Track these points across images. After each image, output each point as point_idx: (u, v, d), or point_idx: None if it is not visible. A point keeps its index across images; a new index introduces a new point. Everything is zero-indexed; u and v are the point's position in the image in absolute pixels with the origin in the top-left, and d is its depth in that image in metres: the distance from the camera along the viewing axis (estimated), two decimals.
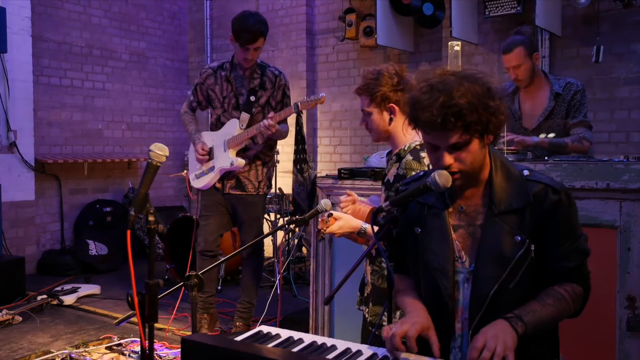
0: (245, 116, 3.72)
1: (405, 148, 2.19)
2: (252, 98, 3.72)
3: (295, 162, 3.74)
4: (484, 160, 1.62)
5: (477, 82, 1.55)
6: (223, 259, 2.48)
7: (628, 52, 4.88)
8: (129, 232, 1.66)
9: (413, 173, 2.06)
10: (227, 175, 3.81)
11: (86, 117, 6.79)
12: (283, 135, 3.84)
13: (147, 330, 1.69)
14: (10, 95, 5.72)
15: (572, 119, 3.31)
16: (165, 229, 5.44)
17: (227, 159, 3.74)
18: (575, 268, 1.61)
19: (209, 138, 3.85)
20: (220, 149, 3.77)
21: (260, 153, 3.86)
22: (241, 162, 3.71)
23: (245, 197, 3.83)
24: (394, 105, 2.18)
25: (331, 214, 2.16)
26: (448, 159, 1.56)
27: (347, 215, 2.20)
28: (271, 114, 3.60)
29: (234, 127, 3.74)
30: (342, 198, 2.31)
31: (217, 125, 3.84)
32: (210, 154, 3.82)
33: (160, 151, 1.72)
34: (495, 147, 1.73)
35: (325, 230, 2.15)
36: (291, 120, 3.83)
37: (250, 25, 3.57)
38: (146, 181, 1.70)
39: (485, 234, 1.60)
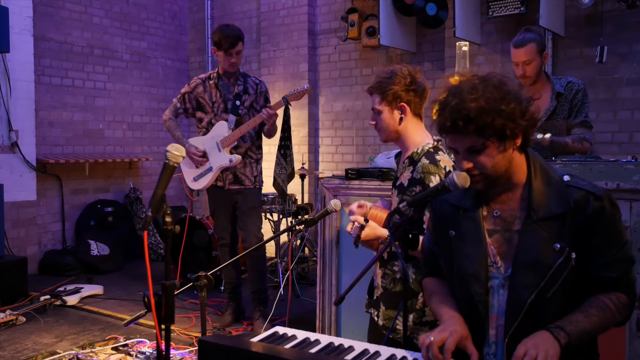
0: (233, 118, 4.11)
1: (418, 151, 2.15)
2: (238, 102, 4.13)
3: (280, 147, 4.20)
4: (511, 164, 1.58)
5: (492, 87, 1.53)
6: (233, 258, 2.48)
7: (631, 52, 4.89)
8: (145, 232, 1.65)
9: (431, 177, 2.05)
10: (224, 171, 4.16)
11: (87, 117, 6.78)
12: (274, 131, 4.21)
13: (162, 331, 1.68)
14: (12, 95, 5.70)
15: (574, 118, 3.31)
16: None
17: (225, 157, 4.09)
18: (619, 277, 1.56)
19: (199, 142, 4.18)
20: (215, 150, 4.12)
21: (250, 152, 4.20)
22: (238, 157, 4.08)
23: (244, 190, 4.20)
24: (405, 104, 2.15)
25: (367, 220, 2.09)
26: (466, 163, 1.57)
27: (374, 223, 2.13)
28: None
29: (223, 129, 4.09)
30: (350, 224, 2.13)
31: (207, 128, 4.20)
32: (204, 156, 4.14)
33: (177, 152, 1.71)
34: None
35: (362, 236, 2.06)
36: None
37: (229, 33, 3.99)
38: (163, 182, 1.68)
39: (522, 240, 1.56)
